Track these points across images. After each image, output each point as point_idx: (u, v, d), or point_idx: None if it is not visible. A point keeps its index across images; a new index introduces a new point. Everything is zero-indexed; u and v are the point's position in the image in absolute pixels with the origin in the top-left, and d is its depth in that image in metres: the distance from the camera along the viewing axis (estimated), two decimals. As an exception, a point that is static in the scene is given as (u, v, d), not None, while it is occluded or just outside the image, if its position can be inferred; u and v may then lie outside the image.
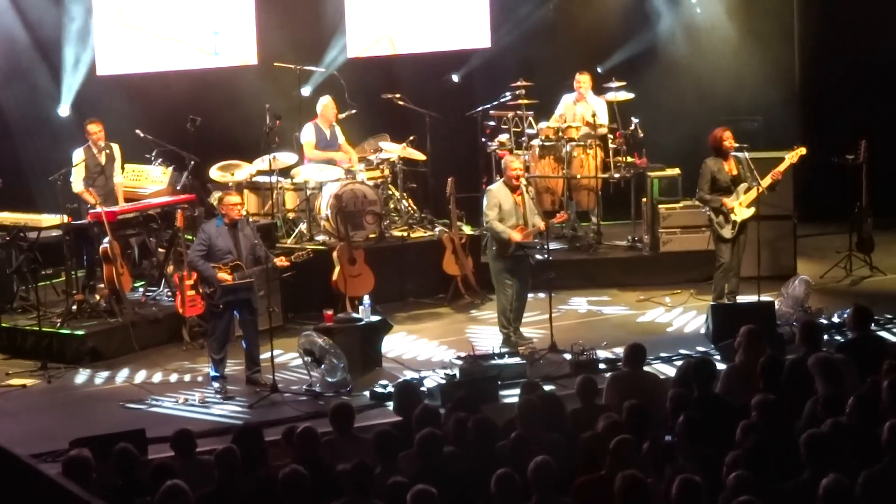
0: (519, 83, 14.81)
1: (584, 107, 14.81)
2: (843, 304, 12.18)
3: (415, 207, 14.58)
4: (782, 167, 12.35)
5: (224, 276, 11.04)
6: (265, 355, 11.20)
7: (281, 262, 11.37)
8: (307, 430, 7.92)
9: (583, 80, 14.83)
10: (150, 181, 13.93)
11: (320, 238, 13.76)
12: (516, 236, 11.64)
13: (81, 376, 11.76)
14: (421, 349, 12.18)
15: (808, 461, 6.85)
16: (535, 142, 14.66)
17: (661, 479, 6.90)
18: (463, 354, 11.19)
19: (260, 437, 8.01)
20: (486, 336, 12.25)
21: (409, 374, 11.16)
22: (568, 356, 11.35)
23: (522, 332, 12.02)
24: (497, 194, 11.79)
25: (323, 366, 11.00)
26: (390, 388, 10.35)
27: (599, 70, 15.78)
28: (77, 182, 13.07)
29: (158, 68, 15.20)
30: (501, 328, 11.96)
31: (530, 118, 14.96)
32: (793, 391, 8.32)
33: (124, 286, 12.53)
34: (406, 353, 12.02)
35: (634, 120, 14.58)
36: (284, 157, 14.00)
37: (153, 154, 14.05)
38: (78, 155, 13.12)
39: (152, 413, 10.63)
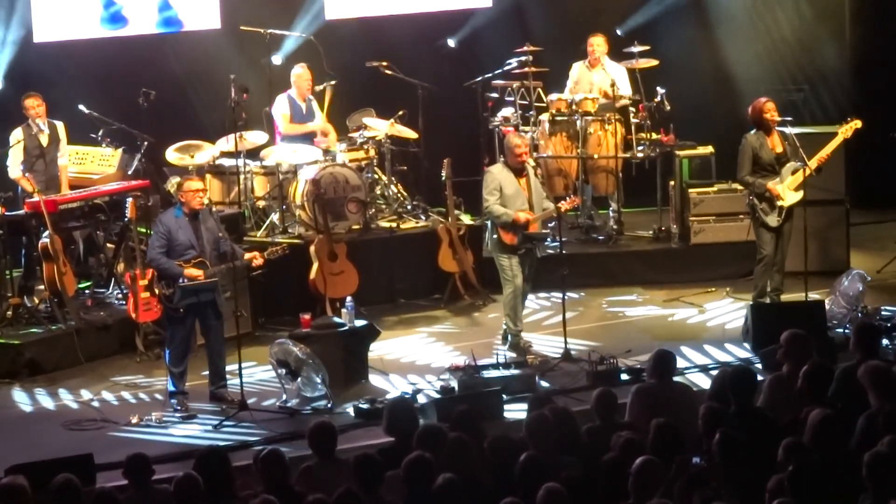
0: (525, 48, 14.81)
1: (601, 75, 14.80)
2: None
3: (405, 194, 14.59)
4: (832, 145, 12.29)
5: (194, 272, 11.02)
6: (232, 367, 11.21)
7: (255, 259, 11.38)
8: (273, 452, 7.96)
9: (597, 44, 14.81)
10: (96, 165, 13.93)
11: (295, 230, 13.77)
12: (523, 216, 11.65)
13: (19, 393, 11.76)
14: (414, 359, 12.19)
15: (871, 485, 6.84)
16: (545, 116, 14.67)
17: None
18: (461, 364, 11.22)
19: (226, 462, 8.01)
20: (489, 342, 12.25)
21: (400, 389, 11.18)
22: (585, 365, 11.38)
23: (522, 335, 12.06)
24: (497, 177, 11.80)
25: (299, 379, 11.00)
26: (378, 405, 10.36)
27: (619, 32, 15.76)
28: (13, 167, 13.06)
29: (105, 34, 15.17)
30: (510, 330, 11.97)
31: (539, 89, 14.96)
32: (843, 405, 8.32)
33: (67, 288, 12.52)
34: (396, 364, 12.02)
35: (660, 90, 14.56)
36: (253, 137, 14.00)
37: (100, 134, 14.03)
38: (15, 135, 13.11)
39: (101, 435, 10.62)
